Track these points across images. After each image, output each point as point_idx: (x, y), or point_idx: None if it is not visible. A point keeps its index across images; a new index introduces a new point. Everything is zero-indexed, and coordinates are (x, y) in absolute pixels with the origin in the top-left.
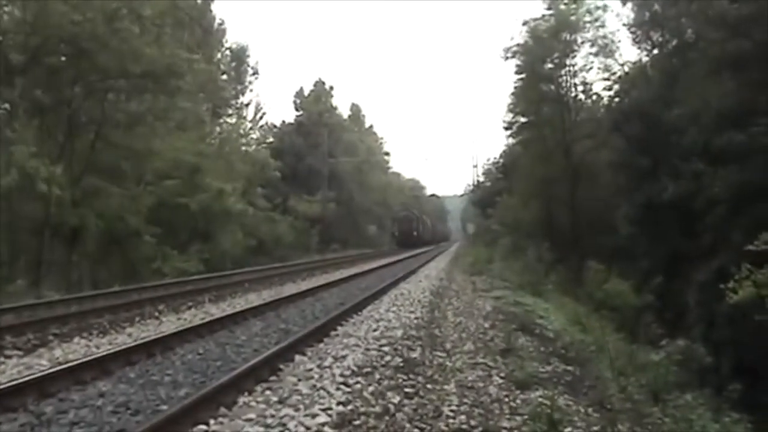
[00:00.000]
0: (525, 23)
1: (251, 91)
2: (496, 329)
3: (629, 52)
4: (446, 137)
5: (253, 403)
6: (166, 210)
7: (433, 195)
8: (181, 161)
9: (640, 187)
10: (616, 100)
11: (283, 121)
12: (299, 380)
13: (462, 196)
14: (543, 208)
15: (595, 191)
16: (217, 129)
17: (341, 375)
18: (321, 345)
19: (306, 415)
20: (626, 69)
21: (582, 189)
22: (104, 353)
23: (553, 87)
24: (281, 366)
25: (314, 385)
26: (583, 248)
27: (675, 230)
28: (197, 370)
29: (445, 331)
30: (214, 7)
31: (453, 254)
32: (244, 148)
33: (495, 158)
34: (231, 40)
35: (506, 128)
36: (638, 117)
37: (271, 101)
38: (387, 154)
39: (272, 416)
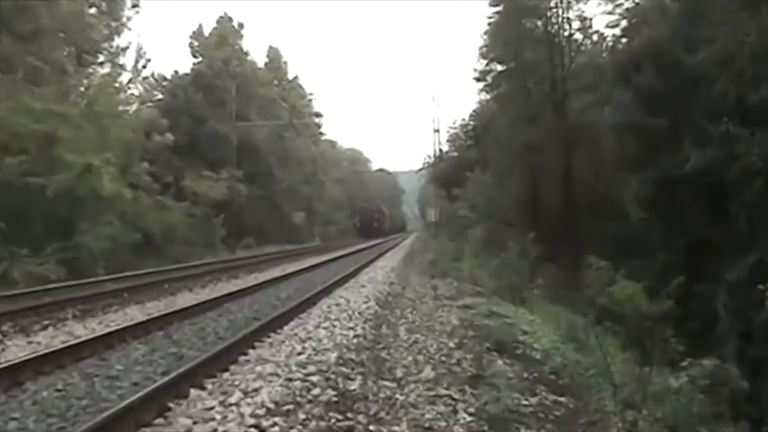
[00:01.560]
0: None
1: (130, 30)
2: (464, 349)
3: None
4: (399, 97)
5: None
6: (11, 195)
7: (381, 170)
8: (32, 129)
9: (655, 156)
10: (624, 40)
11: (176, 72)
12: (195, 423)
13: (420, 171)
14: (527, 187)
15: (595, 163)
16: (84, 83)
17: (252, 415)
18: (226, 375)
19: None
20: None
21: (578, 160)
22: None
23: (539, 23)
24: (170, 404)
25: (215, 430)
26: (579, 239)
27: (700, 213)
28: (54, 412)
29: (396, 354)
30: None
31: (408, 249)
32: (121, 108)
33: (463, 120)
34: None
35: (477, 79)
36: (652, 63)
37: (158, 45)
38: (318, 115)
39: None
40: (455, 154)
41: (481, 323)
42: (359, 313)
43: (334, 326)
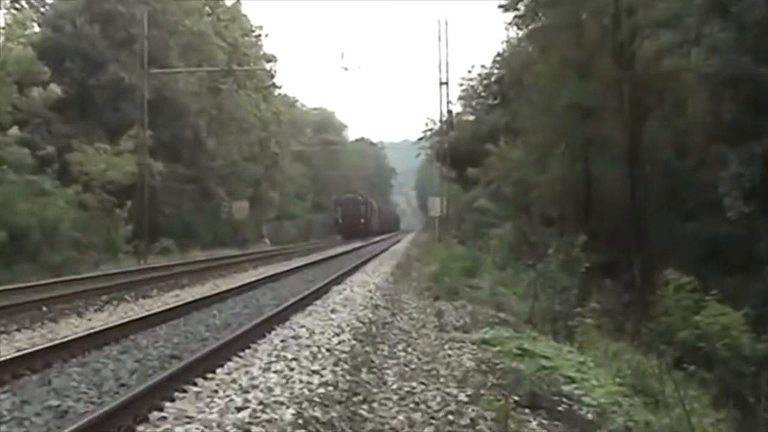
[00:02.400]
0: None
1: None
2: (482, 405)
3: None
4: (386, 35)
5: None
6: None
7: (362, 140)
8: None
9: (766, 124)
10: None
11: None
12: None
13: (420, 141)
14: (575, 168)
15: (676, 134)
16: None
17: None
18: None
19: None
20: None
21: (651, 129)
22: None
23: None
24: None
25: None
26: (651, 245)
27: None
28: None
29: (382, 411)
30: None
31: (401, 257)
32: None
33: (483, 68)
34: None
35: (505, 7)
36: None
37: None
38: (270, 59)
39: None
40: (471, 117)
41: (506, 366)
42: (328, 350)
43: (292, 369)
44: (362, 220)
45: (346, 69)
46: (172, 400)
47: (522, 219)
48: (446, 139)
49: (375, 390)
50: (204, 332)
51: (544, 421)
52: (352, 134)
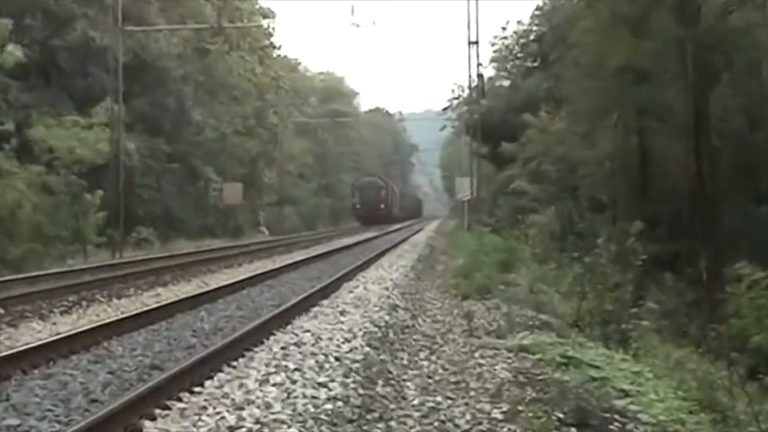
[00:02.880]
0: None
1: None
2: (521, 423)
3: None
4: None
5: None
6: None
7: (377, 111)
8: None
9: None
10: None
11: None
12: None
13: (446, 112)
14: (630, 143)
15: (750, 101)
16: None
17: None
18: None
19: None
20: None
21: (719, 96)
22: None
23: None
24: None
25: None
26: (719, 232)
27: None
28: None
29: (401, 431)
30: None
31: (423, 248)
32: None
33: (520, 25)
34: None
35: None
36: None
37: None
38: (268, 15)
39: None
40: (506, 83)
41: (548, 378)
42: (337, 359)
43: (294, 382)
44: (382, 206)
45: (357, 26)
46: (153, 418)
47: (566, 203)
48: (476, 108)
49: (392, 406)
50: (190, 338)
51: None
52: (365, 104)
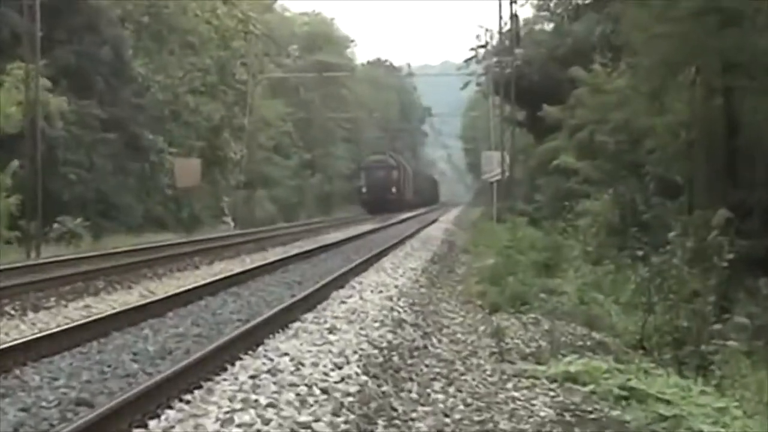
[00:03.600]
0: None
1: None
2: None
3: None
4: None
5: None
6: None
7: (377, 63)
8: None
9: None
10: None
11: None
12: None
13: (468, 64)
14: (712, 105)
15: None
16: None
17: None
18: None
19: None
20: None
21: None
22: None
23: None
24: None
25: None
26: None
27: None
28: None
29: None
30: None
31: (440, 243)
32: None
33: None
34: None
35: None
36: None
37: None
38: None
39: None
40: (548, 26)
41: (604, 417)
42: (323, 392)
43: (267, 422)
44: (393, 190)
45: None
46: None
47: (628, 185)
48: (510, 60)
49: None
50: (129, 364)
51: None
52: (362, 55)
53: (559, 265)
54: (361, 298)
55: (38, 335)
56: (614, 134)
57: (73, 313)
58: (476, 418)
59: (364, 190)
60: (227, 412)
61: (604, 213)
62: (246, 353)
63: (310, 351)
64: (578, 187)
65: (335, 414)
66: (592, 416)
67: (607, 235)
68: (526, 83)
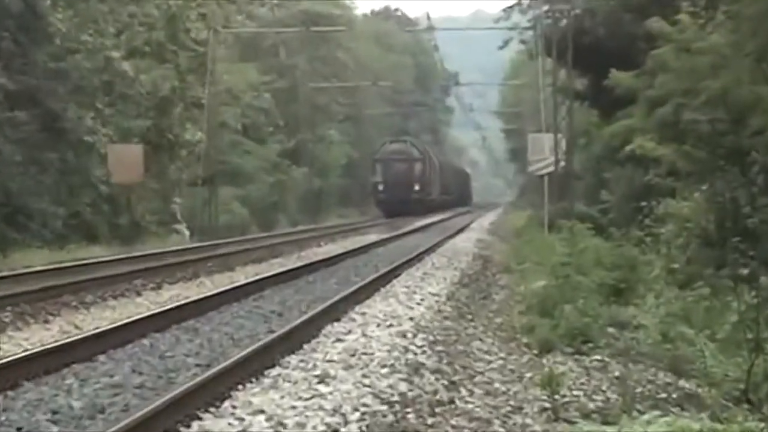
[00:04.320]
0: None
1: None
2: None
3: None
4: None
5: None
6: None
7: (386, 13)
8: None
9: None
10: None
11: None
12: None
13: (508, 15)
14: None
15: None
16: None
17: None
18: None
19: None
20: None
21: None
22: None
23: None
24: None
25: None
26: None
27: None
28: None
29: None
30: None
31: (470, 259)
32: None
33: None
34: None
35: None
36: None
37: None
38: None
39: None
40: None
41: None
42: None
43: None
44: (417, 187)
45: None
46: None
47: (728, 180)
48: (566, 8)
49: None
50: (46, 427)
51: None
52: (364, 3)
53: (634, 288)
54: (363, 334)
55: None
56: (709, 110)
57: None
58: None
59: (380, 187)
60: None
61: (695, 217)
62: (207, 411)
63: (293, 407)
64: (660, 181)
65: None
66: None
67: (700, 248)
68: (588, 40)
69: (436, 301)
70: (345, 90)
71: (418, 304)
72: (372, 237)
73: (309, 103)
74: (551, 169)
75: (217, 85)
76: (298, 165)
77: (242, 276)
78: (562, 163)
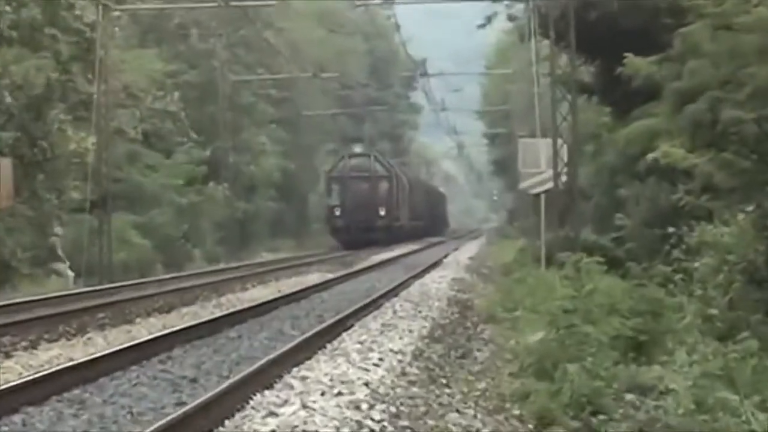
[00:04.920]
0: None
1: None
2: None
3: None
4: None
5: None
6: None
7: None
8: None
9: None
10: None
11: None
12: None
13: None
14: None
15: None
16: None
17: None
18: None
19: None
20: None
21: None
22: None
23: None
24: None
25: None
26: None
27: None
28: None
29: None
30: None
31: (445, 305)
32: None
33: None
34: None
35: None
36: None
37: None
38: None
39: None
40: None
41: None
42: None
43: None
44: (382, 212)
45: None
46: None
47: None
48: None
49: None
50: None
51: None
52: None
53: (659, 341)
54: (303, 406)
55: None
56: (756, 105)
57: None
58: None
59: (337, 212)
60: None
61: (739, 248)
62: None
63: None
64: (692, 201)
65: None
66: None
67: (745, 287)
68: (596, 16)
69: (399, 361)
70: (277, 84)
71: (376, 365)
72: (314, 277)
73: (230, 101)
74: (549, 185)
75: (110, 80)
76: (217, 181)
77: (144, 330)
78: (564, 178)
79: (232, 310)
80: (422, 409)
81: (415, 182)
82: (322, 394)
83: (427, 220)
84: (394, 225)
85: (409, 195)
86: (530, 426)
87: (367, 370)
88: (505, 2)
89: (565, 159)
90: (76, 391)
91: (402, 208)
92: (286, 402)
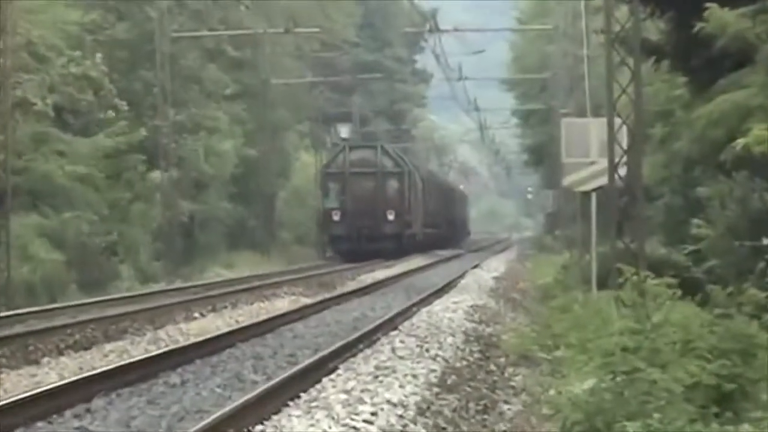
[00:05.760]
0: None
1: None
2: None
3: None
4: None
5: None
6: None
7: None
8: None
9: None
10: None
11: None
12: None
13: None
14: None
15: None
16: None
17: None
18: None
19: None
20: None
21: None
22: None
23: None
24: None
25: None
26: None
27: None
28: None
29: None
30: None
31: (457, 342)
32: None
33: None
34: None
35: None
36: None
37: None
38: None
39: None
40: None
41: None
42: None
43: None
44: (390, 216)
45: None
46: None
47: None
48: None
49: None
50: None
51: None
52: None
53: (750, 391)
54: None
55: None
56: None
57: None
58: None
59: (335, 216)
60: None
61: None
62: None
63: None
64: None
65: None
66: None
67: None
68: None
69: (400, 417)
70: (236, 42)
71: (367, 422)
72: (284, 303)
73: (171, 64)
74: (603, 181)
75: (12, 36)
76: (152, 168)
77: (54, 374)
78: (623, 171)
79: (172, 347)
80: None
81: (430, 179)
82: None
83: (444, 228)
84: (404, 233)
85: (423, 195)
86: None
87: (356, 429)
88: None
89: (625, 146)
90: None
91: (415, 212)
92: None
